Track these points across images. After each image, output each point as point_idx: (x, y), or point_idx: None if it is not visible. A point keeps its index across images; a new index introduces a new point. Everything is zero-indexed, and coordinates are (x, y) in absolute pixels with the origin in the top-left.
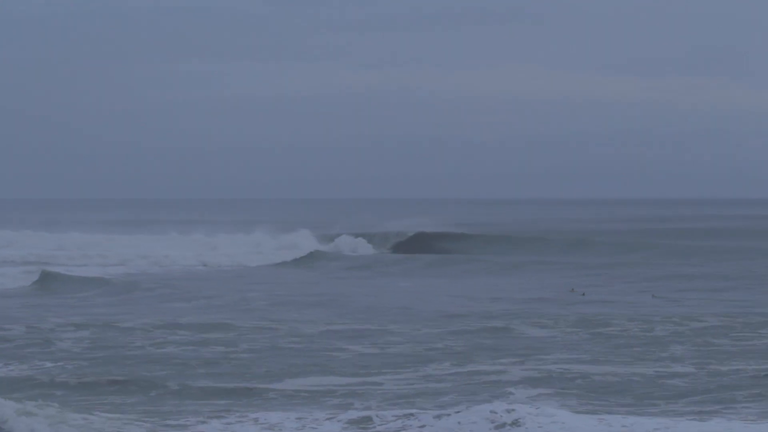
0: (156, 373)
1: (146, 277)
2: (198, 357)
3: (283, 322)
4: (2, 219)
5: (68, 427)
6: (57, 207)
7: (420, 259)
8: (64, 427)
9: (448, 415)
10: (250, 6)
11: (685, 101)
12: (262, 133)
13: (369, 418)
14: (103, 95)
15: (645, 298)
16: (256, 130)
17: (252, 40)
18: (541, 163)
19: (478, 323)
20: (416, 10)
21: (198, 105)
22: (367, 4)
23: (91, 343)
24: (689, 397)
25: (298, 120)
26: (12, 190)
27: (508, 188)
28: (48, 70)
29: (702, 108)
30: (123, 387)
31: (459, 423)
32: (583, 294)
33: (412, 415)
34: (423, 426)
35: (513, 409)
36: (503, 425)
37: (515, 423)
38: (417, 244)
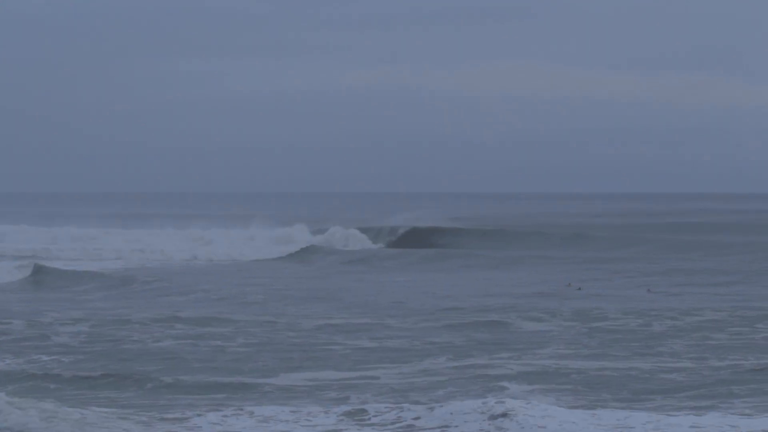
0: (152, 367)
1: (142, 271)
2: (194, 351)
3: (280, 317)
4: None
5: (62, 421)
6: (55, 201)
7: (416, 254)
8: (57, 421)
9: (441, 406)
10: (250, 5)
11: (685, 99)
12: (261, 131)
13: (363, 411)
14: (103, 94)
15: (642, 293)
16: (256, 129)
17: (252, 39)
18: (542, 162)
19: (475, 318)
20: (416, 8)
21: (198, 104)
22: (366, 2)
23: (87, 338)
24: (686, 392)
25: (298, 118)
26: (10, 185)
27: (507, 186)
28: (48, 69)
29: (702, 106)
30: (119, 381)
31: (451, 413)
32: (580, 288)
33: (405, 407)
34: (417, 417)
35: (505, 403)
36: (494, 418)
37: (506, 417)
38: (413, 238)
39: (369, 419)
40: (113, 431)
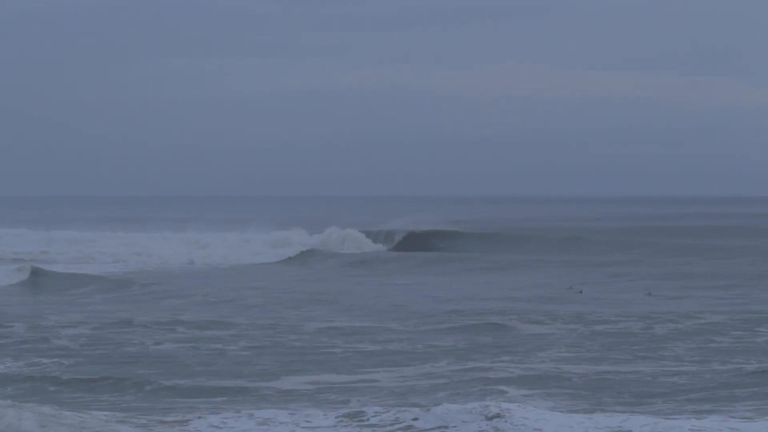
0: (152, 371)
1: (140, 274)
2: (195, 354)
3: (280, 320)
4: None
5: (59, 424)
6: (54, 204)
7: (416, 257)
8: (55, 425)
9: (439, 405)
10: (250, 4)
11: (684, 100)
12: (260, 130)
13: (362, 412)
14: (103, 94)
15: (642, 296)
16: (255, 128)
17: (252, 39)
18: (541, 162)
19: (475, 321)
20: (416, 9)
21: (197, 103)
22: (366, 3)
23: (87, 341)
24: (687, 395)
25: (295, 118)
26: (10, 188)
27: (507, 186)
28: (47, 68)
29: (701, 106)
30: (119, 384)
31: (447, 416)
32: (581, 292)
33: (403, 408)
34: (415, 419)
35: (501, 406)
36: (490, 420)
37: (502, 420)
38: (413, 241)
39: (368, 420)
40: None
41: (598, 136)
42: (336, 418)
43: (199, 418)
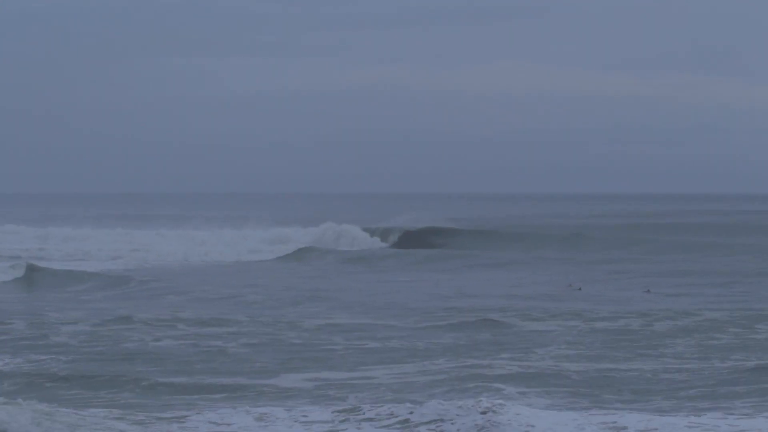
0: (151, 368)
1: (139, 271)
2: (194, 351)
3: (279, 317)
4: None
5: (56, 421)
6: (54, 202)
7: (415, 254)
8: (51, 422)
9: (429, 401)
10: (250, 4)
11: (683, 99)
12: (259, 129)
13: (358, 408)
14: (102, 92)
15: (641, 294)
16: (254, 127)
17: (252, 38)
18: (541, 161)
19: (474, 318)
20: (416, 9)
21: (197, 103)
22: (366, 2)
23: (86, 337)
24: (686, 392)
25: (295, 117)
26: (10, 186)
27: (506, 184)
28: (47, 67)
29: (701, 106)
30: (117, 381)
31: (440, 413)
32: (580, 289)
33: (397, 404)
34: (411, 412)
35: (495, 403)
36: (484, 414)
37: (495, 417)
38: (412, 238)
39: (363, 414)
40: None
41: (598, 136)
42: (332, 413)
43: (197, 414)
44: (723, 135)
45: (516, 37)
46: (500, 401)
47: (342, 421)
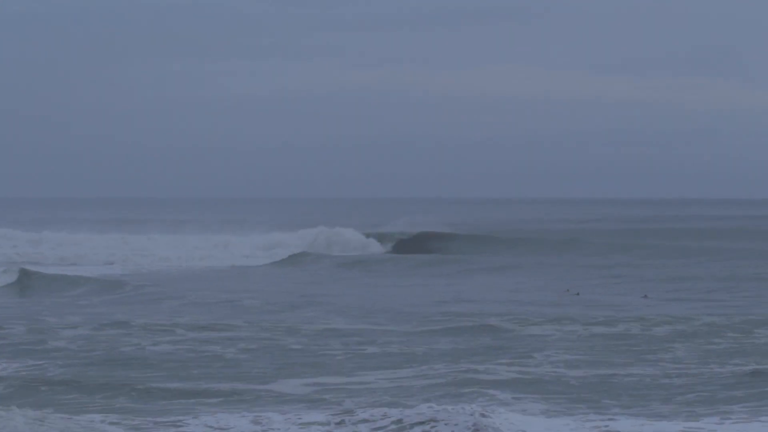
0: (148, 373)
1: (135, 276)
2: (191, 357)
3: (277, 322)
4: None
5: (49, 427)
6: (51, 206)
7: (412, 259)
8: (44, 428)
9: (422, 404)
10: (247, 5)
11: (683, 101)
12: (259, 131)
13: (351, 411)
14: (101, 94)
15: (639, 299)
16: (254, 129)
17: (251, 40)
18: (539, 163)
19: (472, 323)
20: (415, 10)
21: (196, 104)
22: (366, 3)
23: (83, 342)
24: (685, 397)
25: (295, 119)
26: (8, 189)
27: (505, 188)
28: (46, 68)
29: (701, 108)
30: (113, 386)
31: (432, 411)
32: (578, 294)
33: (389, 408)
34: (401, 419)
35: (487, 409)
36: (476, 420)
37: (487, 422)
38: (410, 243)
39: (357, 415)
40: None
41: (597, 138)
42: (326, 416)
43: (194, 418)
44: (723, 137)
45: (516, 38)
46: (493, 406)
47: (338, 423)
